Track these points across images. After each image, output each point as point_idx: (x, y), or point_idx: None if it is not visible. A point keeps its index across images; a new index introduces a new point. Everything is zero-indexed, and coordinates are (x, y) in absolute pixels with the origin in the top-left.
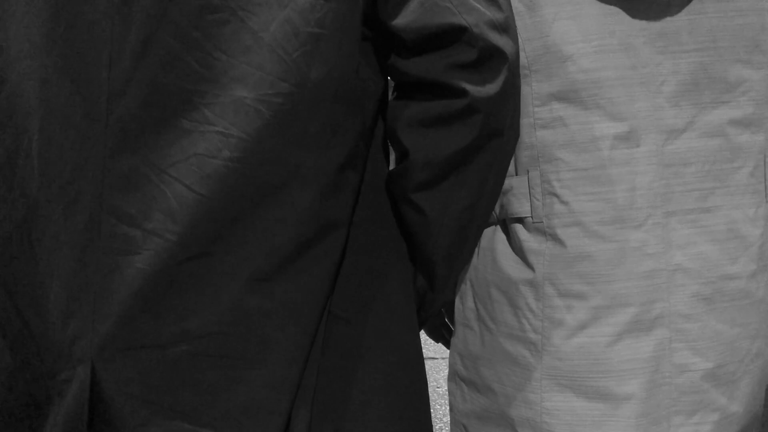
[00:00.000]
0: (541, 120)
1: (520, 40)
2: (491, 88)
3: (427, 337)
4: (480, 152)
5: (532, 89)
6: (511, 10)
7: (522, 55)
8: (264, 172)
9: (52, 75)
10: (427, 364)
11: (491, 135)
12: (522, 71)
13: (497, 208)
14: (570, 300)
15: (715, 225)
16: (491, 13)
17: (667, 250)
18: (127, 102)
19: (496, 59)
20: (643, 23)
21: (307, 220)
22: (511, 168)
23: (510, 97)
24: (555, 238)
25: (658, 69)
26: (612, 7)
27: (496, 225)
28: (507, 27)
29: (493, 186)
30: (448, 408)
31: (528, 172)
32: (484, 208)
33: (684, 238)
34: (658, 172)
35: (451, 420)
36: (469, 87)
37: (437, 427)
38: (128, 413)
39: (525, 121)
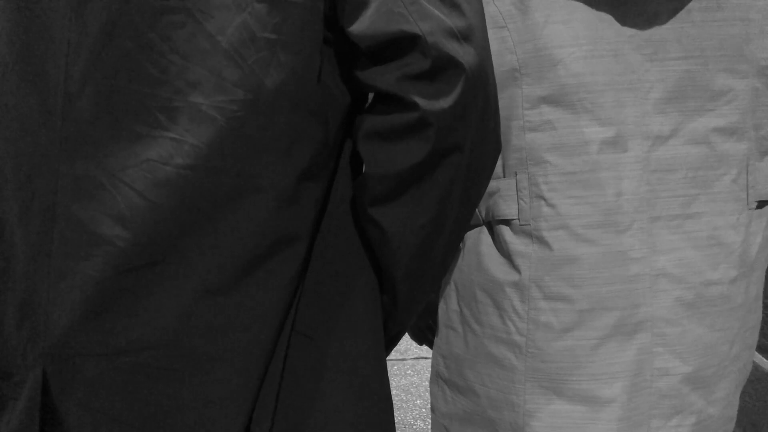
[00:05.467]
0: (530, 123)
1: (511, 42)
2: (445, 101)
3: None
4: (438, 168)
5: (522, 92)
6: (478, 17)
7: (513, 57)
8: (217, 181)
9: (10, 74)
10: (420, 363)
11: (448, 150)
12: (513, 74)
13: (483, 210)
14: (555, 303)
15: (698, 231)
16: (451, 21)
17: (651, 255)
18: (82, 104)
19: (451, 70)
20: (632, 30)
21: (263, 232)
22: (499, 170)
23: (469, 111)
24: (541, 241)
25: (646, 76)
26: (603, 14)
27: (481, 226)
28: (468, 35)
29: (459, 204)
30: None
31: (516, 174)
32: (451, 227)
33: (668, 243)
34: (644, 177)
35: (432, 421)
36: (419, 100)
37: (429, 425)
38: (75, 421)
39: (514, 124)
